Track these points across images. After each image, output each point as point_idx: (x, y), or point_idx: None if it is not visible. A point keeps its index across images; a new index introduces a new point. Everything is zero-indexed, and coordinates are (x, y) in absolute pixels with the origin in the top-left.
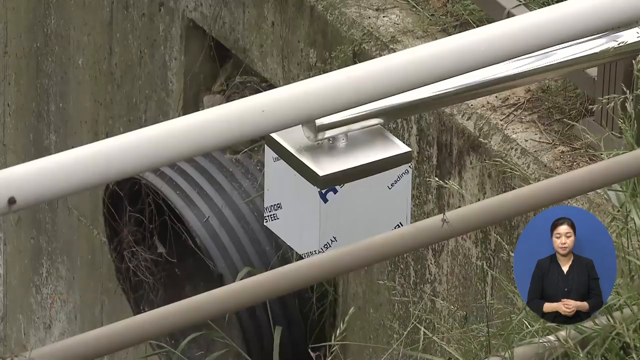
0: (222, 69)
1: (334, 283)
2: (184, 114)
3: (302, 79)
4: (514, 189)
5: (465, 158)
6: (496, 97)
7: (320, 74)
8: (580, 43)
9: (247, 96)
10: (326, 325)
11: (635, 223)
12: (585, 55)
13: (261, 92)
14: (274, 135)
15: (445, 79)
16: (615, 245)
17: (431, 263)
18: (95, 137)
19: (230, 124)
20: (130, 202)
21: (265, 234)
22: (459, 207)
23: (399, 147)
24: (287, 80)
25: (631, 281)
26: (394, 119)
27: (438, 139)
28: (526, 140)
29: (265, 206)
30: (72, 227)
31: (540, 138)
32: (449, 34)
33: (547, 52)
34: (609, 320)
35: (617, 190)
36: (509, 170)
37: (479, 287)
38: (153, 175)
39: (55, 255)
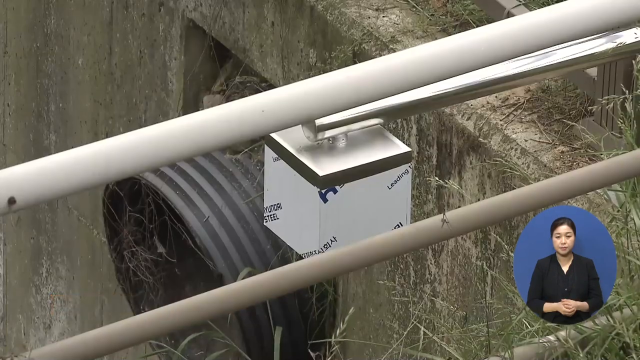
0: (222, 69)
1: (334, 283)
2: (184, 114)
3: (302, 79)
4: (514, 189)
5: (465, 158)
6: (496, 97)
7: (320, 74)
8: (580, 43)
9: (247, 96)
10: (326, 325)
11: (635, 223)
12: (585, 55)
13: (261, 92)
14: (273, 135)
15: (445, 79)
16: (615, 245)
17: (431, 263)
18: (95, 137)
19: (230, 124)
20: (130, 202)
21: (265, 234)
22: (459, 207)
23: (399, 147)
24: (287, 80)
25: (631, 281)
26: (394, 119)
27: (438, 139)
28: (526, 140)
29: (265, 206)
30: (72, 227)
31: (540, 138)
32: (449, 34)
33: (547, 52)
34: (609, 320)
35: (617, 190)
36: (508, 170)
37: (479, 287)
38: (153, 175)
39: (55, 255)
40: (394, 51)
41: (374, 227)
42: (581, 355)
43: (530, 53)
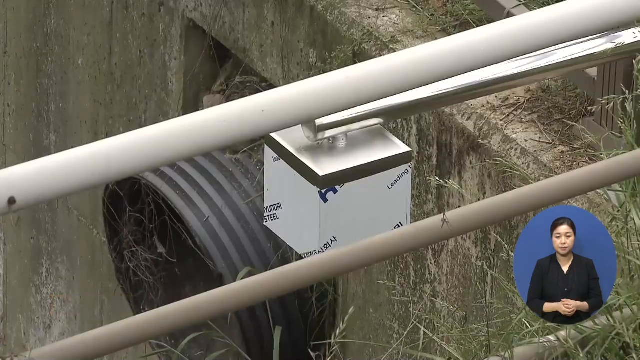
0: (222, 69)
1: (334, 283)
2: (184, 114)
3: (302, 79)
4: (514, 189)
5: (465, 158)
6: (496, 97)
7: (320, 74)
8: (580, 43)
9: (247, 96)
10: (326, 325)
11: (635, 223)
12: (585, 55)
13: (261, 92)
14: (273, 135)
15: (445, 79)
16: (615, 245)
17: (431, 263)
18: (95, 137)
19: (230, 124)
20: (130, 202)
21: (265, 234)
22: (459, 207)
23: (399, 147)
24: (287, 80)
25: (631, 281)
26: (394, 119)
27: (438, 139)
28: (526, 140)
29: (265, 206)
30: (72, 227)
31: (540, 138)
32: (449, 34)
33: (547, 52)
34: (609, 320)
35: (617, 190)
36: (509, 170)
37: (479, 287)
38: (153, 175)
39: (55, 255)
40: (394, 51)
41: (374, 227)
42: (581, 355)
43: (530, 53)
